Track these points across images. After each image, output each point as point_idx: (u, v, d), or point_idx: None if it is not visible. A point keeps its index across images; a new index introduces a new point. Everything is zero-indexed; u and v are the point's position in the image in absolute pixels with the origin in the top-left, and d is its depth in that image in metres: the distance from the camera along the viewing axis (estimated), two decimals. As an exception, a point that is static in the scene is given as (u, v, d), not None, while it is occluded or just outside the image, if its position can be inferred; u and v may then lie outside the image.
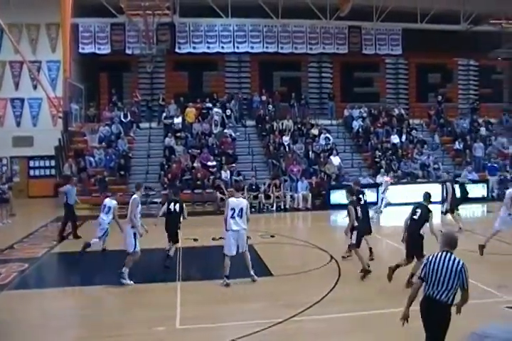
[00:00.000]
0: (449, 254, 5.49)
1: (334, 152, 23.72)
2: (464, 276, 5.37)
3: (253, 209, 19.87)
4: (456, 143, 26.15)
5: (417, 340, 6.92)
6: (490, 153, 25.47)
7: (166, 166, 22.23)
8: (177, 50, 26.47)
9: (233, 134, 24.96)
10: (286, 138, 24.49)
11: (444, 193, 16.17)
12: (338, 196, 20.77)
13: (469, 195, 20.51)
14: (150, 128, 25.78)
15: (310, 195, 20.89)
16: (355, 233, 10.41)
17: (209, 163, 22.53)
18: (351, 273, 10.48)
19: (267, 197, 20.39)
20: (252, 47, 27.20)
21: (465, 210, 20.66)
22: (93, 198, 20.21)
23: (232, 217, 9.72)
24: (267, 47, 27.21)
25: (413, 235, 9.63)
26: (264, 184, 20.70)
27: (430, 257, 5.57)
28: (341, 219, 11.95)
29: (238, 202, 9.83)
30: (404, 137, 26.02)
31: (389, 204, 18.97)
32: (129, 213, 9.86)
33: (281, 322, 7.69)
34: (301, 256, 12.66)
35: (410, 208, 10.23)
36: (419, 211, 9.88)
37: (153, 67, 26.55)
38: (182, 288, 9.63)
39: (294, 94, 27.48)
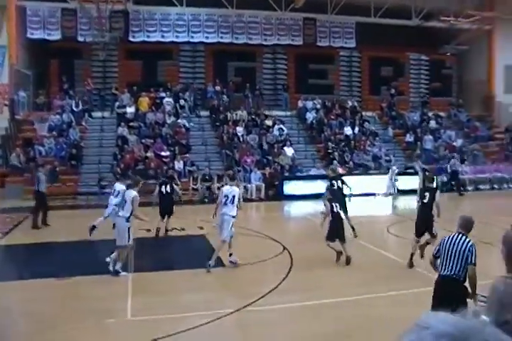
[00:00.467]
0: (463, 236, 5.86)
1: (288, 143, 23.85)
2: (472, 253, 5.75)
3: (206, 200, 19.88)
4: (408, 135, 26.69)
5: (364, 327, 7.09)
6: (439, 145, 26.10)
7: (119, 156, 21.87)
8: (131, 39, 25.96)
9: (187, 124, 24.73)
10: (240, 129, 24.44)
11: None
12: (292, 187, 21.03)
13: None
14: (102, 117, 25.23)
15: (263, 185, 20.97)
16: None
17: (162, 153, 22.29)
18: (303, 263, 10.57)
19: (221, 187, 20.25)
20: (207, 37, 26.97)
21: (415, 200, 21.19)
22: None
23: (225, 204, 10.31)
24: (221, 38, 27.04)
25: (425, 216, 10.36)
26: (218, 175, 20.62)
27: (446, 238, 5.98)
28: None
29: (232, 190, 10.45)
30: (357, 129, 26.37)
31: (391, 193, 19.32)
32: (133, 210, 9.78)
33: (232, 312, 7.68)
34: (254, 246, 12.64)
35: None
36: (427, 195, 10.51)
37: (105, 55, 25.95)
38: (134, 279, 9.51)
39: (249, 85, 27.39)
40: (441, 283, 5.87)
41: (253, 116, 25.89)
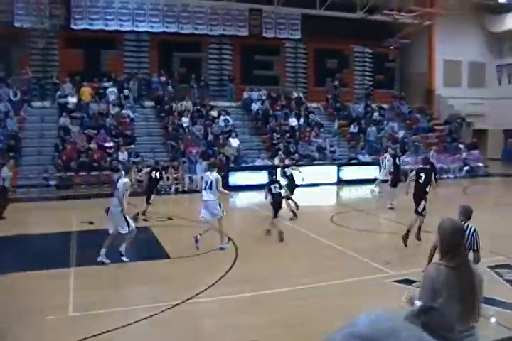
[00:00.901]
0: (464, 224, 6.24)
1: (233, 134, 23.83)
2: (476, 240, 6.27)
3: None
4: (352, 126, 27.13)
5: (307, 317, 7.19)
6: (382, 136, 26.66)
7: (61, 147, 21.29)
8: (72, 26, 25.19)
9: (131, 115, 24.29)
10: (185, 120, 24.22)
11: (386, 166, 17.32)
12: (237, 177, 21.03)
13: (363, 177, 21.78)
14: (43, 107, 24.40)
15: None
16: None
17: (106, 144, 21.85)
18: (248, 254, 10.62)
19: (166, 178, 20.05)
20: (152, 27, 26.54)
21: (360, 191, 21.69)
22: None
23: (205, 188, 11.09)
24: (167, 27, 26.68)
25: (420, 194, 11.34)
26: (163, 166, 20.35)
27: None
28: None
29: (210, 176, 11.17)
30: (302, 120, 26.62)
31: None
32: (122, 197, 9.83)
33: (177, 304, 7.64)
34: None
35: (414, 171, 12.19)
36: (423, 175, 11.49)
37: (45, 43, 25.04)
38: (76, 273, 9.30)
39: (194, 76, 27.16)
40: None
41: (198, 107, 25.70)
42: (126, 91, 25.35)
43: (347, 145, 26.57)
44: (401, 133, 27.43)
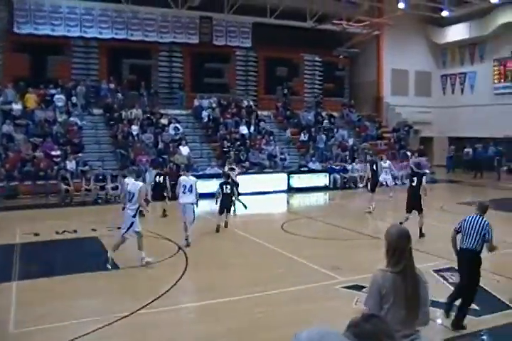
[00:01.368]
0: (480, 217, 7.18)
1: (183, 142, 23.72)
2: (489, 231, 7.04)
3: (100, 201, 19.34)
4: (302, 134, 27.42)
5: (258, 325, 7.21)
6: (332, 144, 27.04)
7: (3, 155, 20.68)
8: (16, 30, 24.54)
9: (79, 122, 23.84)
10: (134, 128, 23.97)
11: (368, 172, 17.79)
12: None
13: (313, 184, 22.14)
14: (-15, 114, 23.65)
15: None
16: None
17: (53, 153, 21.34)
18: (198, 264, 10.55)
19: (115, 187, 19.78)
20: (101, 33, 26.16)
21: (310, 198, 21.94)
22: None
23: (184, 192, 12.01)
24: (116, 34, 26.34)
25: (414, 196, 12.96)
26: (112, 174, 20.10)
27: (467, 217, 7.25)
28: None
29: (189, 179, 12.18)
30: (252, 128, 26.76)
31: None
32: (140, 199, 10.26)
33: (127, 315, 7.52)
34: (149, 247, 12.27)
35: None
36: (415, 179, 13.01)
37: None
38: (18, 287, 8.96)
39: (144, 83, 26.96)
40: (462, 254, 7.18)
41: (148, 115, 25.48)
42: (74, 99, 24.86)
43: (297, 153, 26.82)
44: (351, 141, 27.91)
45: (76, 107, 24.79)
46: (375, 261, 7.25)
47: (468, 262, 7.14)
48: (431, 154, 31.38)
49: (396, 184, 22.27)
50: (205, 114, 26.82)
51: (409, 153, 27.56)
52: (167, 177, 16.84)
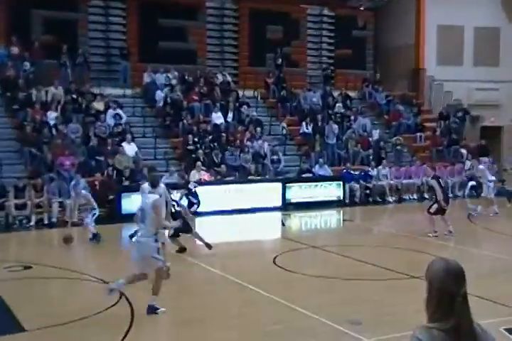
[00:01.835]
0: None
1: (128, 136, 23.54)
2: None
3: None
4: (304, 124, 27.21)
5: None
6: (348, 139, 26.85)
7: None
8: None
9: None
10: (53, 115, 23.74)
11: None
12: (133, 202, 20.54)
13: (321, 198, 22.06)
14: None
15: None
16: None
17: None
18: (149, 317, 10.38)
19: (21, 206, 19.54)
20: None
21: (314, 218, 21.81)
22: None
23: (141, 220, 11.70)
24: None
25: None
26: (16, 186, 19.82)
27: None
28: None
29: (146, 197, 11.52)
30: (231, 115, 26.61)
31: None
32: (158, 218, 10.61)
33: None
34: (75, 295, 12.35)
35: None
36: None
37: None
38: None
39: (67, 47, 26.61)
40: None
41: (74, 96, 25.29)
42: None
43: (297, 153, 26.74)
44: (376, 134, 27.78)
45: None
46: (414, 312, 6.98)
47: None
48: (498, 152, 31.23)
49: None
50: (160, 94, 26.66)
51: (464, 152, 27.44)
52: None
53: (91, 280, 12.98)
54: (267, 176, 23.96)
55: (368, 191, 24.26)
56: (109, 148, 23.17)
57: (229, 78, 29.25)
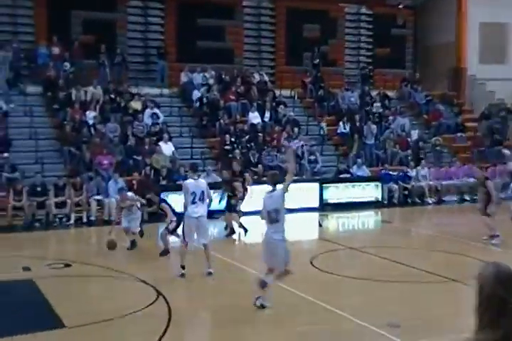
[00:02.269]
0: None
1: (165, 136, 23.69)
2: None
3: (38, 224, 19.29)
4: (341, 124, 27.21)
5: None
6: (386, 139, 26.78)
7: None
8: None
9: (4, 106, 23.86)
10: (91, 115, 24.01)
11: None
12: (172, 201, 20.69)
13: (359, 198, 22.02)
14: None
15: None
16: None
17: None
18: (185, 315, 10.63)
19: (61, 204, 19.79)
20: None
21: (352, 219, 21.75)
22: None
23: (194, 202, 12.72)
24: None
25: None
26: (56, 185, 20.06)
27: None
28: None
29: (198, 183, 12.93)
30: (268, 115, 26.64)
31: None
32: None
33: None
34: (113, 293, 12.47)
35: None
36: None
37: None
38: None
39: (105, 47, 26.84)
40: None
41: (112, 96, 25.52)
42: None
43: (334, 153, 26.74)
44: (415, 134, 27.66)
45: (-2, 82, 24.85)
46: (452, 316, 7.01)
47: None
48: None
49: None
50: (197, 94, 26.76)
51: (507, 152, 27.16)
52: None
53: (129, 278, 13.09)
54: (304, 176, 23.92)
55: (406, 192, 24.14)
56: (146, 147, 23.35)
57: (266, 77, 29.29)
